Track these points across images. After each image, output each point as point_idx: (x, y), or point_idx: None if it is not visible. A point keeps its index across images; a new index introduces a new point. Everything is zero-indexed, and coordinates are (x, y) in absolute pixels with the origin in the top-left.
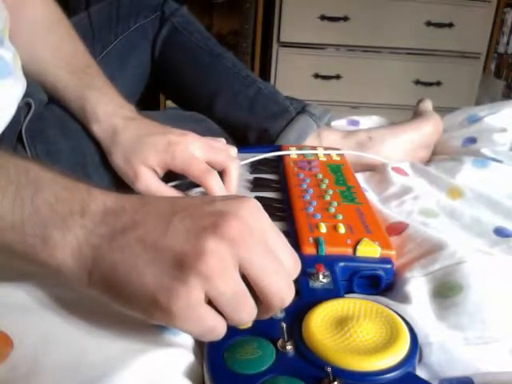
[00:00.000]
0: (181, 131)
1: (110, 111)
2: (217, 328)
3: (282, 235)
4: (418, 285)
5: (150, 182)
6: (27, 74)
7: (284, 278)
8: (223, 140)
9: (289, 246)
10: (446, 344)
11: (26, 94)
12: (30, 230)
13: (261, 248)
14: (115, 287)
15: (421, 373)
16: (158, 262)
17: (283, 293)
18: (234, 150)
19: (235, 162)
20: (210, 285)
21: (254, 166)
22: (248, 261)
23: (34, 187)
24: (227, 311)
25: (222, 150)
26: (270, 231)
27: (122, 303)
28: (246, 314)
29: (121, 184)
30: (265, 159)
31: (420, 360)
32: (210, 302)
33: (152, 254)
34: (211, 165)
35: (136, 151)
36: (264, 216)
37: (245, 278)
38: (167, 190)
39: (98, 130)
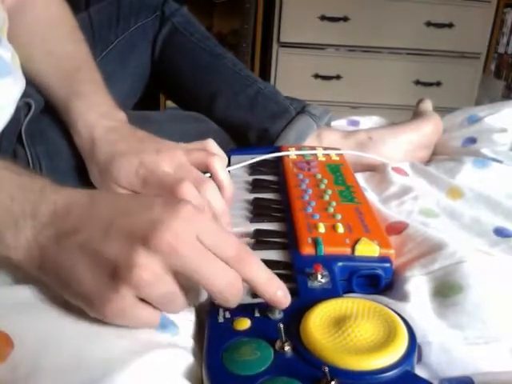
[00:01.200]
0: (156, 147)
1: (90, 123)
2: (150, 321)
3: (219, 231)
4: (417, 284)
5: None
6: (25, 75)
7: (225, 277)
8: (209, 140)
9: (227, 236)
10: (446, 343)
11: (26, 94)
12: None
13: (194, 254)
14: (60, 286)
15: (420, 372)
16: (95, 269)
17: (225, 293)
18: (212, 145)
19: (215, 157)
20: (140, 292)
21: (254, 168)
22: (182, 269)
23: None
24: (159, 307)
25: (199, 151)
26: (205, 232)
27: (71, 300)
28: (176, 308)
29: None
30: (264, 160)
31: (420, 359)
32: None
33: (90, 260)
34: (196, 166)
35: (108, 171)
36: (197, 219)
37: None
38: None
39: (79, 143)
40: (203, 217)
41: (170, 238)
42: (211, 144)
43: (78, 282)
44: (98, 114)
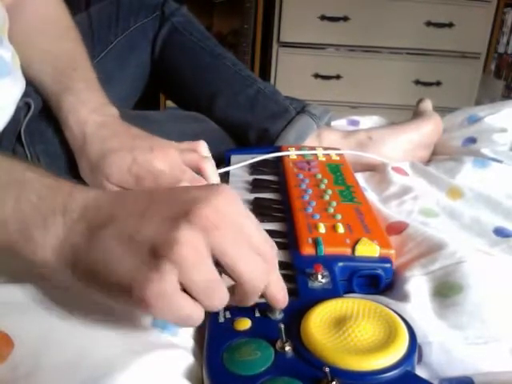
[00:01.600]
0: (149, 144)
1: (82, 119)
2: (193, 315)
3: (256, 222)
4: (418, 284)
5: None
6: (24, 74)
7: (258, 265)
8: (201, 142)
9: (263, 232)
10: (446, 343)
11: (26, 94)
12: (13, 227)
13: (233, 235)
14: (96, 281)
15: (421, 372)
16: (133, 254)
17: (256, 280)
18: (203, 146)
19: (206, 160)
20: (183, 272)
21: (254, 168)
22: (220, 248)
23: (18, 186)
24: (200, 298)
25: (191, 153)
26: (244, 218)
27: (105, 294)
28: (218, 300)
29: None
30: (264, 160)
31: (420, 359)
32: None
33: (127, 246)
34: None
35: (100, 168)
36: (238, 203)
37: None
38: None
39: (70, 138)
40: (240, 202)
41: (212, 214)
42: (202, 146)
43: (115, 269)
44: (89, 110)
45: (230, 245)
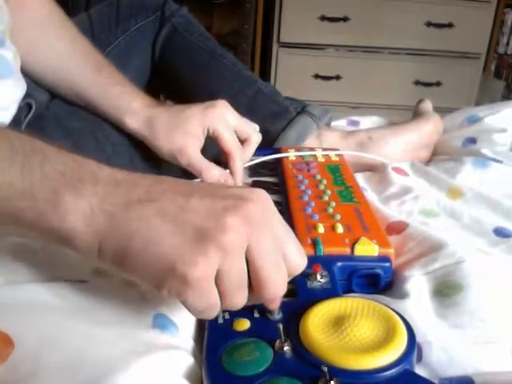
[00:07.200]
0: (210, 101)
1: (143, 104)
2: (215, 307)
3: (292, 233)
4: (417, 283)
5: (195, 153)
6: (40, 72)
7: (282, 274)
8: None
9: (297, 242)
10: (446, 343)
11: (27, 95)
12: (40, 195)
13: (270, 237)
14: (128, 256)
15: (421, 372)
16: (178, 234)
17: (277, 287)
18: (256, 126)
19: (258, 135)
20: (225, 260)
21: (253, 170)
22: (256, 246)
23: (42, 156)
24: (227, 292)
25: (249, 123)
26: (283, 226)
27: (133, 272)
28: (241, 297)
29: None
30: (263, 162)
31: (420, 359)
32: None
33: (171, 226)
34: (237, 133)
35: (178, 124)
36: (275, 210)
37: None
38: (207, 162)
39: (132, 122)
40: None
41: (257, 210)
42: (255, 126)
43: (158, 249)
44: (141, 98)
45: (266, 247)
